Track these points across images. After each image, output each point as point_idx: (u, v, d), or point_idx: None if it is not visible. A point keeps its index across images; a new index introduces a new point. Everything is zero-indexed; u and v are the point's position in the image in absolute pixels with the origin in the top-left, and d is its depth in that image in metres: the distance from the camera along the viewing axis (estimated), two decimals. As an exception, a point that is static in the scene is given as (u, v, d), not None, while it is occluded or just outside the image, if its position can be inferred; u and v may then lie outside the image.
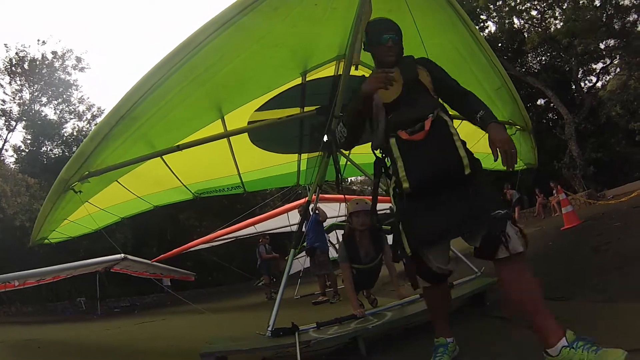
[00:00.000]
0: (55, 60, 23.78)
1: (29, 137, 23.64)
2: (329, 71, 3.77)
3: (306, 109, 4.26)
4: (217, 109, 3.71)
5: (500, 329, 2.46)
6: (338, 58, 3.60)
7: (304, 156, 5.53)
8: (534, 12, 20.80)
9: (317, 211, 6.75)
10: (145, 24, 67.31)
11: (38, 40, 30.05)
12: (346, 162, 5.36)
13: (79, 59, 24.64)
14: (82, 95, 28.17)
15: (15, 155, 23.64)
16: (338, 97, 3.74)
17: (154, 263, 12.90)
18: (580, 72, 20.66)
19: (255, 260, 11.29)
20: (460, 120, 4.81)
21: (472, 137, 5.35)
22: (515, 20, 21.70)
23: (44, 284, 13.03)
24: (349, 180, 36.81)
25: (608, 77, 21.72)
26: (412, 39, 3.13)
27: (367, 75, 3.89)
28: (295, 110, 4.25)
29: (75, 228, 4.79)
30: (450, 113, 2.18)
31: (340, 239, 5.29)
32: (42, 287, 14.39)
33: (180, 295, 13.04)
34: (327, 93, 4.06)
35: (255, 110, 3.98)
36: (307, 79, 3.74)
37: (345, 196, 6.49)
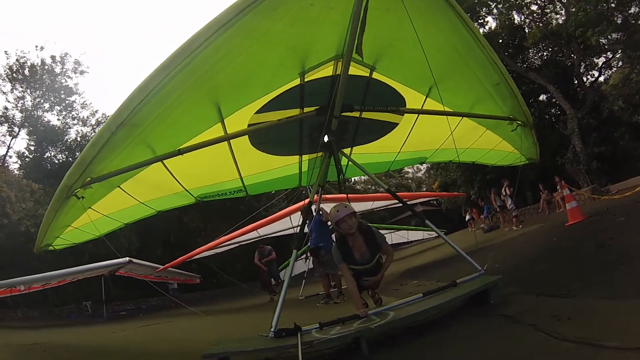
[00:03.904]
0: (55, 65, 23.96)
1: (32, 143, 23.83)
2: (327, 71, 3.76)
3: (306, 109, 4.25)
4: (217, 111, 3.71)
5: (501, 328, 2.44)
6: (336, 58, 3.59)
7: (305, 157, 5.52)
8: (534, 7, 20.72)
9: (320, 212, 6.74)
10: (151, 28, 67.59)
11: (36, 46, 30.27)
12: (347, 162, 5.35)
13: (77, 62, 24.85)
14: (84, 101, 28.32)
15: (19, 162, 23.86)
16: (337, 96, 3.74)
17: (160, 269, 12.96)
18: (582, 67, 20.54)
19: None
20: (460, 119, 4.82)
21: (470, 135, 5.37)
22: (516, 16, 21.63)
23: (49, 288, 13.14)
24: (353, 180, 36.79)
25: (610, 71, 21.59)
26: (410, 38, 3.12)
27: (365, 74, 3.92)
28: (295, 112, 4.25)
29: (79, 234, 4.81)
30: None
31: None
32: (48, 292, 14.47)
33: (185, 297, 13.15)
34: (327, 93, 4.05)
35: (255, 113, 3.99)
36: (305, 80, 3.73)
37: (348, 195, 6.48)
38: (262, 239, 11.87)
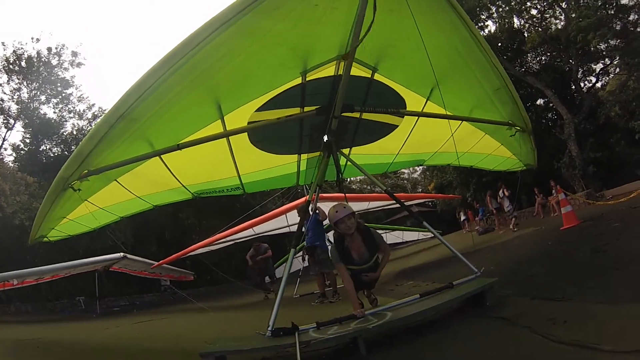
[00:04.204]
0: (51, 56, 23.74)
1: (27, 135, 23.63)
2: (329, 71, 3.76)
3: (306, 109, 4.24)
4: (217, 108, 3.70)
5: (500, 329, 2.46)
6: (338, 58, 3.58)
7: (304, 156, 5.52)
8: (534, 12, 20.82)
9: (317, 211, 6.74)
10: (150, 24, 67.20)
11: (32, 38, 30.01)
12: (346, 162, 5.36)
13: (74, 54, 24.63)
14: (81, 94, 28.06)
15: (14, 154, 23.65)
16: (338, 97, 3.74)
17: (154, 265, 12.90)
18: (580, 72, 20.66)
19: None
20: (459, 122, 4.84)
21: (468, 139, 5.39)
22: (515, 20, 21.72)
23: (43, 282, 13.05)
24: (349, 180, 36.82)
25: (607, 78, 21.74)
26: (413, 40, 3.13)
27: (367, 75, 3.93)
28: (295, 110, 4.24)
29: (74, 226, 4.79)
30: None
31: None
32: (41, 286, 14.38)
33: (179, 293, 13.10)
34: (327, 93, 4.06)
35: (255, 111, 3.97)
36: (307, 79, 3.73)
37: (346, 195, 6.48)
38: (257, 237, 11.84)
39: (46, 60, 23.62)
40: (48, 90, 24.32)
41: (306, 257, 7.39)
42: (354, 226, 3.42)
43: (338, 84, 3.74)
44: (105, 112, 3.59)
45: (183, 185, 5.01)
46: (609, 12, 15.74)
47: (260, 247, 10.76)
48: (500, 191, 12.55)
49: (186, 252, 12.08)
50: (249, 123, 4.11)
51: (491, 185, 16.00)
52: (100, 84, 57.89)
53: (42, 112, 24.35)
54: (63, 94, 24.76)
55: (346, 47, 3.33)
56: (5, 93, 22.85)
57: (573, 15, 17.30)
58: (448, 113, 4.45)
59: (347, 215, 3.40)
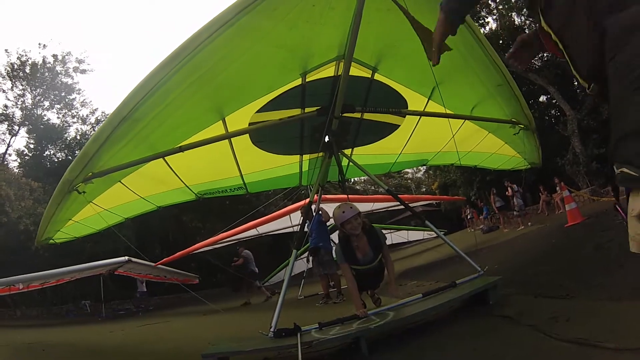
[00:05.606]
0: (56, 63, 23.94)
1: (32, 141, 23.84)
2: (329, 72, 3.77)
3: (307, 109, 4.25)
4: (218, 110, 3.72)
5: (500, 328, 2.45)
6: (338, 58, 3.60)
7: (306, 157, 5.52)
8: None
9: (319, 211, 6.74)
10: (154, 28, 67.57)
11: (39, 44, 30.30)
12: (348, 163, 5.35)
13: (79, 61, 24.83)
14: (84, 99, 28.30)
15: (18, 160, 23.87)
16: (338, 97, 3.74)
17: (159, 266, 12.94)
18: (582, 68, 20.53)
19: (259, 264, 11.40)
20: (462, 121, 4.82)
21: (472, 138, 5.37)
22: (516, 17, 21.65)
23: (48, 287, 13.16)
24: (352, 180, 36.78)
25: (610, 72, 21.58)
26: (412, 39, 3.12)
27: (367, 75, 3.92)
28: (296, 111, 4.25)
29: (79, 228, 4.83)
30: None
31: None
32: (46, 290, 14.48)
33: (182, 296, 13.13)
34: (327, 93, 4.06)
35: (256, 112, 3.99)
36: (307, 80, 3.74)
37: (349, 196, 6.48)
38: (260, 237, 11.89)
39: (51, 66, 23.84)
40: (52, 96, 24.54)
41: (310, 259, 7.39)
42: (360, 226, 3.41)
43: (338, 84, 3.75)
44: (109, 114, 3.60)
45: (186, 186, 5.03)
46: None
47: (239, 252, 10.87)
48: (515, 186, 12.38)
49: (189, 251, 12.15)
50: (250, 124, 4.12)
51: (495, 184, 15.94)
52: (103, 88, 58.27)
53: (45, 117, 24.61)
54: (66, 100, 25.01)
55: (345, 48, 3.33)
56: (9, 99, 23.13)
57: None
58: (449, 112, 4.43)
59: (354, 215, 3.38)
